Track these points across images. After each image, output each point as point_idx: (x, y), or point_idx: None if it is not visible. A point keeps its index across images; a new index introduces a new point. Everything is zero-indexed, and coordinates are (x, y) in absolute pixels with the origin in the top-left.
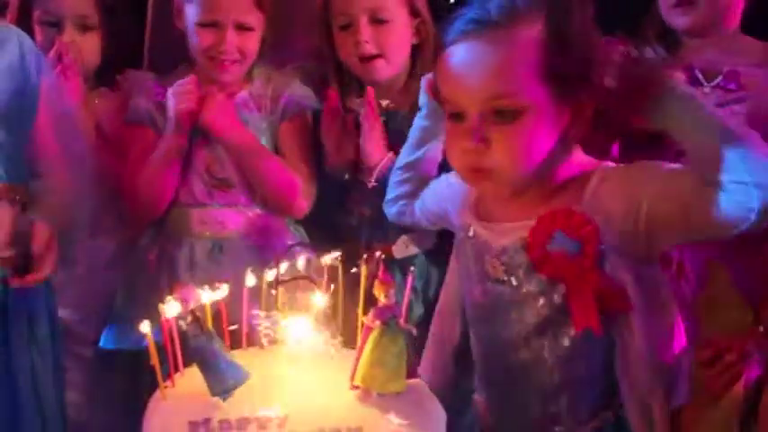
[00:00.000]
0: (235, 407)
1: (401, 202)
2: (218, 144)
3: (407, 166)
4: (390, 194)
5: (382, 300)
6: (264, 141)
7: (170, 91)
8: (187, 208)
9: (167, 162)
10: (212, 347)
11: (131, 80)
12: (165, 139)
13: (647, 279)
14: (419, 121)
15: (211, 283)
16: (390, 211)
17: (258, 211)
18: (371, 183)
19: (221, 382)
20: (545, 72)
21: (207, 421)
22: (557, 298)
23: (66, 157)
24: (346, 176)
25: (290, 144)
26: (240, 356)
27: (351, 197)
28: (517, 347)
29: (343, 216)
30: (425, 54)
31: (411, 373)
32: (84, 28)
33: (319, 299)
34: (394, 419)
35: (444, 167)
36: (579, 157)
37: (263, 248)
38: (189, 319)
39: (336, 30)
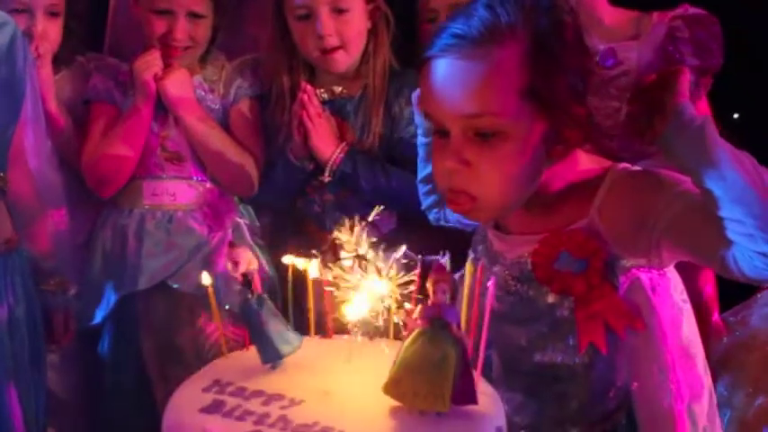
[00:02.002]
0: (269, 380)
1: (434, 210)
2: (173, 117)
3: (425, 179)
4: (424, 204)
5: (432, 297)
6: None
7: (135, 63)
8: (139, 180)
9: (133, 131)
10: (260, 313)
11: (91, 61)
12: (130, 110)
13: (662, 286)
14: (420, 138)
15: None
16: (430, 217)
17: (209, 185)
18: (326, 178)
19: (266, 350)
20: (528, 90)
21: (228, 384)
22: (568, 311)
23: (35, 156)
24: (311, 166)
25: (240, 127)
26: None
27: (312, 185)
28: (529, 353)
29: (307, 204)
30: (379, 39)
31: (464, 396)
32: (52, 15)
33: (379, 285)
34: None
35: None
36: (582, 161)
37: (212, 222)
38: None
39: (293, 20)
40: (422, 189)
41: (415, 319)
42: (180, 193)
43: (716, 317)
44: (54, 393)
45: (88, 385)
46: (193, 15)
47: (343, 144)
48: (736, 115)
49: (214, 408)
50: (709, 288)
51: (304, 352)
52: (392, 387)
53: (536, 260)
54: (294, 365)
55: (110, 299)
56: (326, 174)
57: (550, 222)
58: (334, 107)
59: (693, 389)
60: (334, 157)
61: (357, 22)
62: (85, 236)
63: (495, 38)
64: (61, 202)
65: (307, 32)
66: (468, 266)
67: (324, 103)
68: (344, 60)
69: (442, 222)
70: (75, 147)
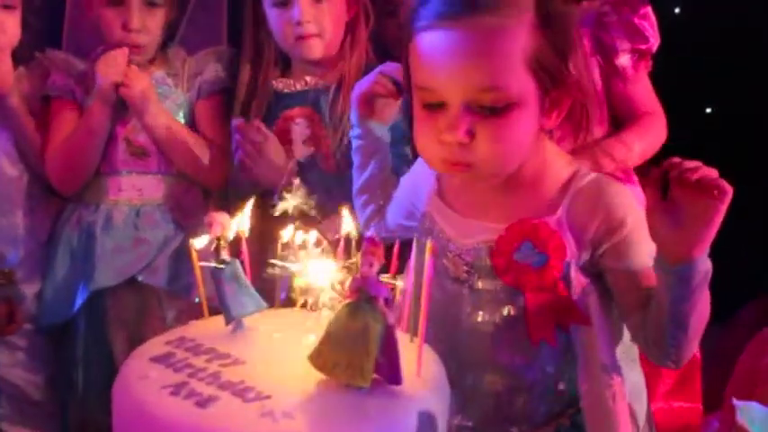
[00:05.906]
0: (228, 342)
1: (373, 223)
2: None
3: (362, 189)
4: (362, 218)
5: (359, 269)
6: (181, 116)
7: (98, 65)
8: (105, 176)
9: (93, 132)
10: (221, 276)
11: (50, 58)
12: (90, 110)
13: (607, 292)
14: (355, 142)
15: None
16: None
17: (174, 179)
18: (280, 196)
19: (226, 311)
20: (533, 62)
21: (190, 341)
22: (516, 308)
23: None
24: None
25: (207, 121)
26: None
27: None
28: (471, 351)
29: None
30: (357, 33)
31: (387, 375)
32: (6, 8)
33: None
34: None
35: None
36: (552, 151)
37: (179, 216)
38: (212, 245)
39: (270, 7)
40: (359, 201)
41: (346, 292)
42: (146, 187)
43: None
44: (24, 392)
45: (60, 383)
46: (148, 3)
47: (291, 165)
48: (708, 110)
49: (163, 358)
50: None
51: (281, 322)
52: (315, 358)
53: (499, 246)
54: (262, 332)
55: (78, 296)
56: (277, 197)
57: (513, 210)
58: (308, 99)
59: (634, 390)
60: (286, 174)
61: (335, 11)
62: (47, 232)
63: (501, 6)
64: (20, 197)
65: (283, 19)
66: (428, 245)
67: (297, 93)
68: (319, 48)
69: (383, 234)
70: (35, 143)
